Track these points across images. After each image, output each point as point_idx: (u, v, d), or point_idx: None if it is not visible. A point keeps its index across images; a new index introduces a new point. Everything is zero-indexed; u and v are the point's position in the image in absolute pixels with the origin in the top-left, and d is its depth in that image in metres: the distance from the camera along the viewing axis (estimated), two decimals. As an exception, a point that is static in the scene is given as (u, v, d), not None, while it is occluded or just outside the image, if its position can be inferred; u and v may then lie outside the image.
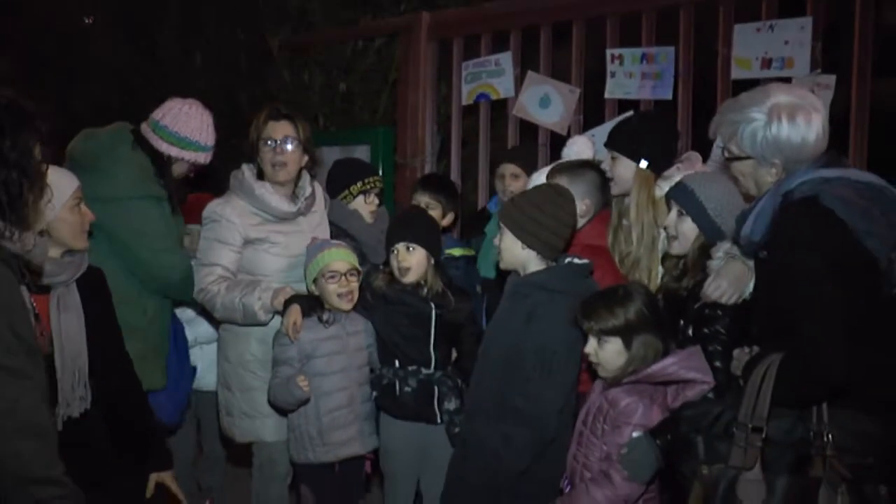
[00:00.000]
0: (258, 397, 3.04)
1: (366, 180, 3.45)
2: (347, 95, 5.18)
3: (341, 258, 2.95)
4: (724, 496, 1.98)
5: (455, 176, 4.51)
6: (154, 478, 2.57)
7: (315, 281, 2.97)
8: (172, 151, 3.15)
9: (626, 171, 2.86)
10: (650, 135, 2.88)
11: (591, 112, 4.10)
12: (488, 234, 3.67)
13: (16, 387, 1.75)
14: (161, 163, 3.14)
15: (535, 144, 4.20)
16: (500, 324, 2.62)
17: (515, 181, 3.69)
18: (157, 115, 3.18)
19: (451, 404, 2.96)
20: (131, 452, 2.55)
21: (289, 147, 3.09)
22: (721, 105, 2.37)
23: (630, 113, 3.62)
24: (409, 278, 2.96)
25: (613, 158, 2.90)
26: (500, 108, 4.46)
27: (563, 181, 2.76)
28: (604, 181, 2.91)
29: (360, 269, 2.99)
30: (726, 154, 2.26)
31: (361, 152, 4.75)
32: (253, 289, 2.95)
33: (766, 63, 3.56)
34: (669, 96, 3.81)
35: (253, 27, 5.29)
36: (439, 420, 2.97)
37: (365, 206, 3.43)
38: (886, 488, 1.98)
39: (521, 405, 2.47)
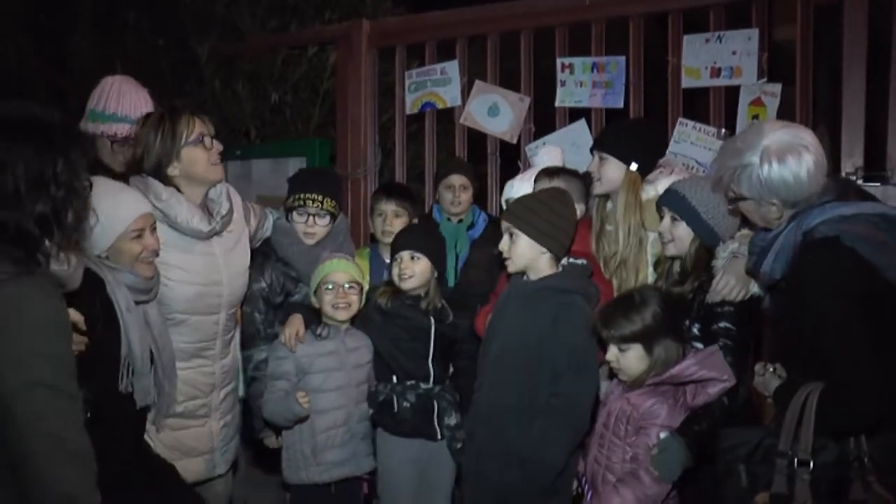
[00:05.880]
0: None
1: (296, 195, 3.07)
2: (279, 106, 5.02)
3: (341, 269, 2.86)
4: None
5: (401, 187, 4.43)
6: None
7: (315, 292, 2.87)
8: None
9: (615, 172, 2.91)
10: (640, 138, 2.96)
11: (541, 120, 4.13)
12: None
13: (68, 409, 1.74)
14: None
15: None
16: (516, 329, 2.59)
17: (464, 192, 3.70)
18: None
19: (451, 419, 2.91)
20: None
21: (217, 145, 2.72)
22: (720, 147, 2.41)
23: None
24: (409, 285, 2.89)
25: (602, 159, 2.93)
26: (445, 117, 4.44)
27: (559, 184, 2.80)
28: (588, 190, 2.96)
29: (360, 282, 2.87)
30: (730, 195, 2.30)
31: (296, 165, 4.61)
32: None
33: (715, 72, 3.69)
34: (621, 105, 3.89)
35: (176, 35, 5.03)
36: (440, 436, 2.91)
37: (296, 224, 3.09)
38: None
39: (557, 404, 2.47)
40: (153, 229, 2.49)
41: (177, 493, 2.51)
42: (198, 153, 2.67)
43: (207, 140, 2.68)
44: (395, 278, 2.92)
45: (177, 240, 2.65)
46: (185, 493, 2.57)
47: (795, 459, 2.01)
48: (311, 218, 3.05)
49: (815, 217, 2.13)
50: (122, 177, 2.71)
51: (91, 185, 1.89)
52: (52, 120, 1.78)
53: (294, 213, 3.08)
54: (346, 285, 2.86)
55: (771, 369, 2.32)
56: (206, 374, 2.80)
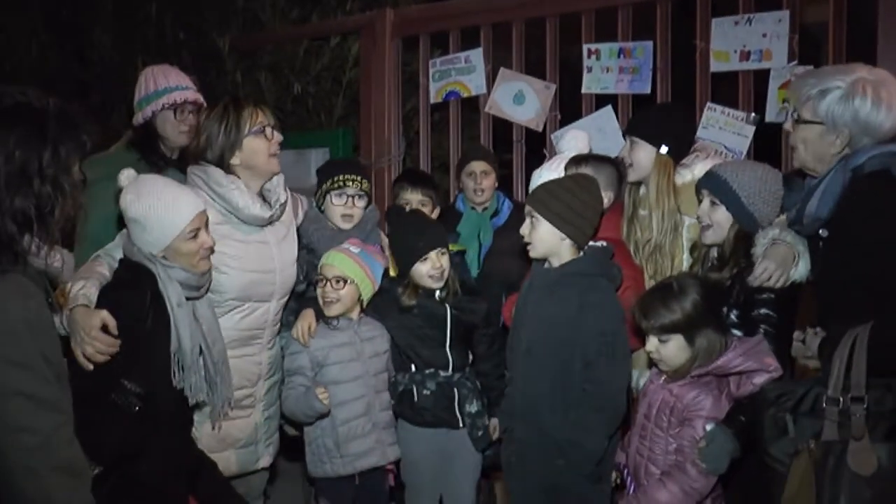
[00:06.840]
0: None
1: (335, 178, 3.04)
2: (301, 97, 5.01)
3: (331, 263, 2.83)
4: (834, 468, 1.97)
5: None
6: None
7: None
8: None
9: (645, 156, 2.87)
10: (670, 122, 2.92)
11: (567, 107, 4.10)
12: (462, 233, 3.60)
13: (49, 419, 1.62)
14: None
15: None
16: (543, 319, 2.56)
17: (486, 178, 3.68)
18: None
19: (472, 407, 2.89)
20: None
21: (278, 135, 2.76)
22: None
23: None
24: (442, 282, 2.87)
25: (633, 144, 2.90)
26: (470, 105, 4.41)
27: (588, 172, 2.78)
28: (620, 177, 2.93)
29: (347, 278, 2.81)
30: (794, 117, 2.28)
31: (319, 155, 4.61)
32: None
33: (745, 55, 3.65)
34: (648, 90, 3.86)
35: (197, 28, 5.04)
36: (461, 424, 2.89)
37: (334, 207, 3.04)
38: None
39: (591, 390, 2.45)
40: (207, 226, 2.49)
41: (216, 492, 2.50)
42: (259, 143, 2.70)
43: (269, 130, 2.72)
44: (426, 279, 2.86)
45: (233, 230, 2.69)
46: (226, 492, 2.56)
47: (849, 397, 1.97)
48: (350, 199, 3.04)
49: (863, 155, 2.14)
50: (185, 150, 2.91)
51: (86, 180, 1.80)
52: (44, 109, 1.66)
53: (332, 195, 3.05)
54: (333, 280, 2.81)
55: (812, 332, 2.30)
56: (253, 364, 2.79)
